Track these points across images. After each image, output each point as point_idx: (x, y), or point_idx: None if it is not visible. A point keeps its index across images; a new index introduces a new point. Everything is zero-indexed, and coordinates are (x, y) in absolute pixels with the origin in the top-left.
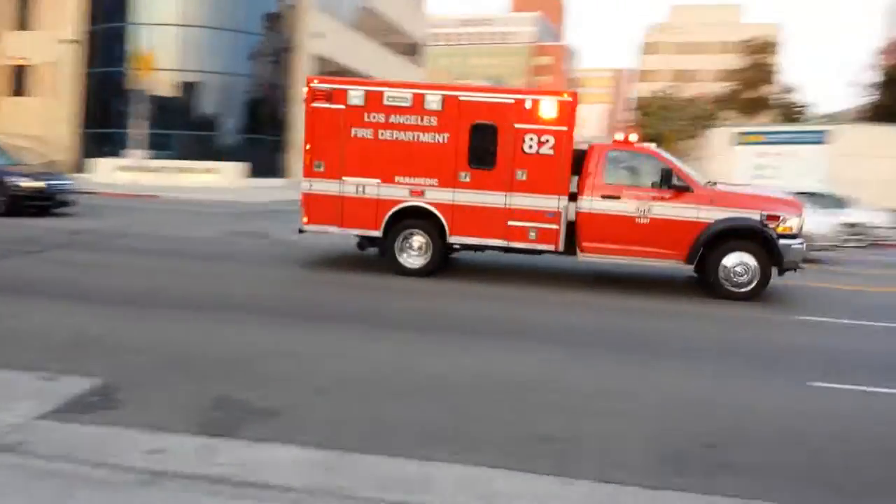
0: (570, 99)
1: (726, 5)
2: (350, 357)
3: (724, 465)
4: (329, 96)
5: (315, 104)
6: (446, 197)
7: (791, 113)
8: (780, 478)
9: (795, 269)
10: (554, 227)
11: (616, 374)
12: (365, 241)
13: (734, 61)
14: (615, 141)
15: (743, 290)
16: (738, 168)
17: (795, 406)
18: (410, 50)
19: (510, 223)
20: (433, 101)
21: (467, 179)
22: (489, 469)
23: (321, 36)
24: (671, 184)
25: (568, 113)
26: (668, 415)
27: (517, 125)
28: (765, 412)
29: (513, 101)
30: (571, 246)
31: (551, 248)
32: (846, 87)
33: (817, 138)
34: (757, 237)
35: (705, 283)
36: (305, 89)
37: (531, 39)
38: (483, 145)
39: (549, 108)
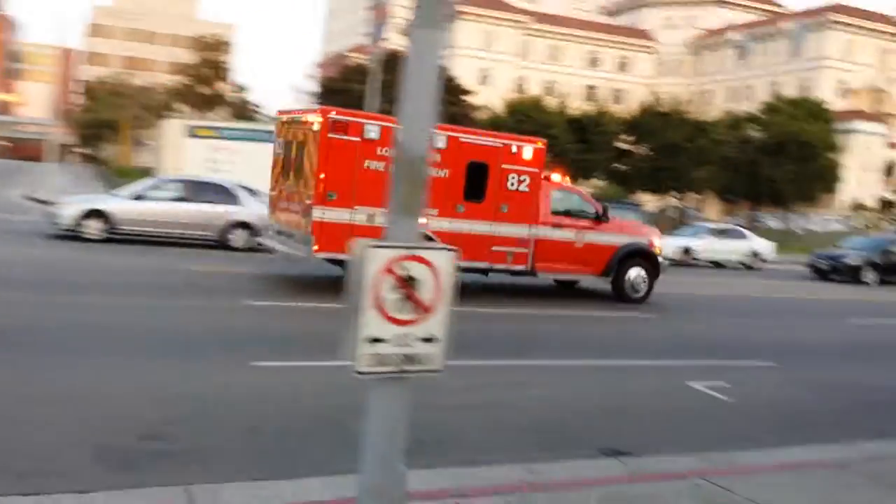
0: (542, 146)
1: None
2: None
3: (163, 453)
4: (346, 129)
5: (331, 135)
6: (445, 226)
7: (244, 111)
8: (219, 459)
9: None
10: (525, 250)
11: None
12: None
13: (187, 55)
14: (553, 181)
15: (639, 295)
16: (191, 160)
17: (238, 386)
18: None
19: (494, 248)
20: (439, 140)
21: (462, 210)
22: None
23: None
24: (595, 215)
25: (540, 157)
26: (105, 411)
27: (503, 165)
28: (210, 396)
29: (501, 145)
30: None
31: (523, 267)
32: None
33: (267, 137)
34: (648, 256)
35: (615, 291)
36: (319, 119)
37: None
38: (476, 181)
39: (527, 152)
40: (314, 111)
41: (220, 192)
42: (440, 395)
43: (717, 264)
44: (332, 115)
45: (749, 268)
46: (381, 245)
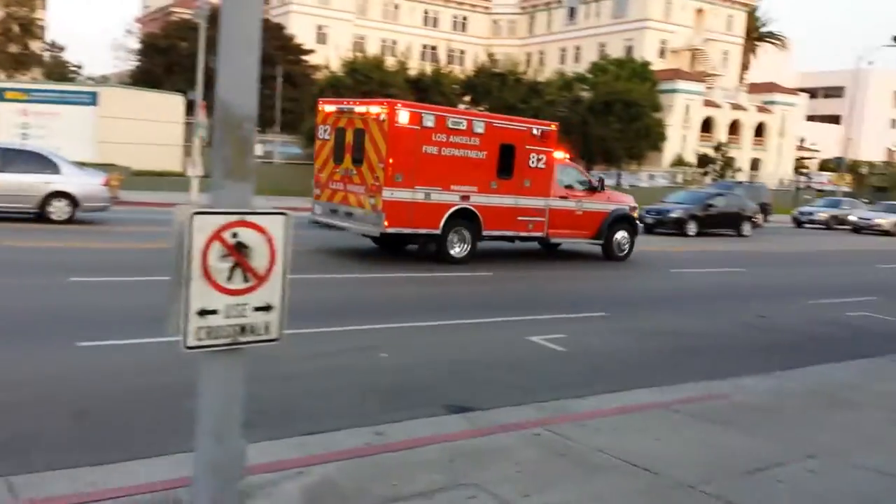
0: (554, 128)
1: None
2: None
3: None
4: (409, 118)
5: (398, 124)
6: (483, 200)
7: (60, 72)
8: (44, 448)
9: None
10: (542, 219)
11: None
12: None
13: None
14: (558, 158)
15: (623, 254)
16: (0, 125)
17: (64, 369)
18: None
19: (518, 218)
20: (479, 125)
21: (495, 187)
22: None
23: None
24: (589, 186)
25: (552, 138)
26: None
27: (527, 146)
28: (32, 381)
29: (525, 128)
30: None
31: (541, 234)
32: (113, 51)
33: (85, 99)
34: (630, 220)
35: (605, 251)
36: (385, 110)
37: None
38: (506, 161)
39: (544, 134)
40: (377, 103)
41: (36, 161)
42: (287, 364)
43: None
44: (399, 107)
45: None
46: (207, 211)
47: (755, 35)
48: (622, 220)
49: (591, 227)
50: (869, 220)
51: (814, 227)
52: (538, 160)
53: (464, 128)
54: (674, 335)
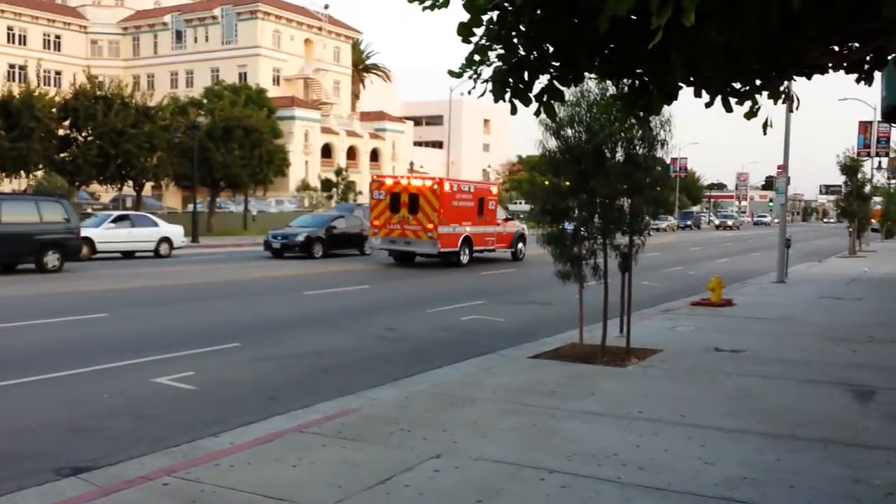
0: (503, 182)
1: None
2: None
3: None
4: (448, 187)
5: (444, 191)
6: (472, 230)
7: None
8: None
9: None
10: (493, 238)
11: None
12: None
13: None
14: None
15: (522, 256)
16: None
17: None
18: None
19: (486, 239)
20: (471, 187)
21: (478, 221)
22: None
23: None
24: (507, 217)
25: (499, 190)
26: None
27: (489, 197)
28: None
29: (487, 187)
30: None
31: (494, 248)
32: None
33: None
34: (523, 236)
35: (513, 257)
36: (436, 183)
37: None
38: (481, 206)
39: (495, 189)
40: (429, 178)
41: None
42: None
43: (127, 254)
44: (444, 182)
45: (159, 255)
46: None
47: (362, 67)
48: (521, 236)
49: (509, 242)
50: None
51: None
52: (492, 204)
53: (466, 189)
54: (310, 356)
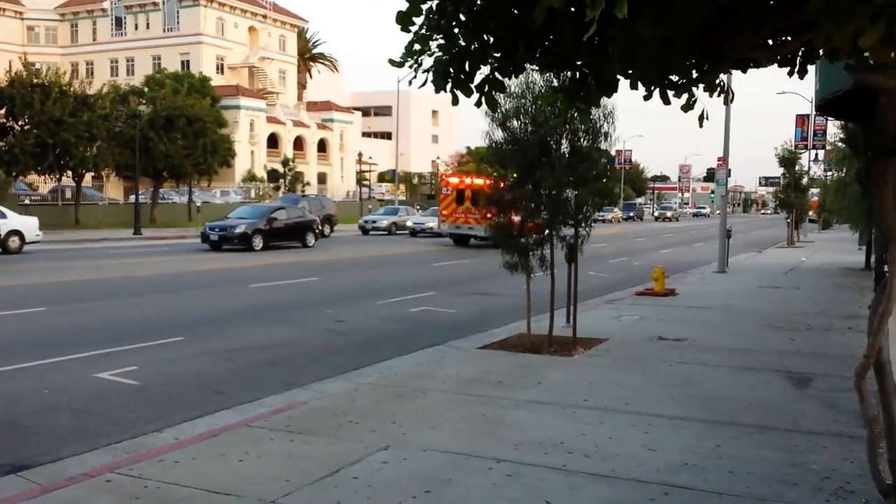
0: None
1: None
2: None
3: None
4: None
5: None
6: (516, 218)
7: None
8: None
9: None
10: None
11: None
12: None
13: None
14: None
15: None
16: None
17: None
18: None
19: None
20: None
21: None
22: None
23: None
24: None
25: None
26: None
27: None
28: None
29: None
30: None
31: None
32: None
33: None
34: None
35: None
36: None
37: None
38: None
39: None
40: (486, 178)
41: None
42: None
43: None
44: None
45: (7, 250)
46: None
47: (308, 56)
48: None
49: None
50: (423, 224)
51: (378, 233)
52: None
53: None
54: (256, 350)
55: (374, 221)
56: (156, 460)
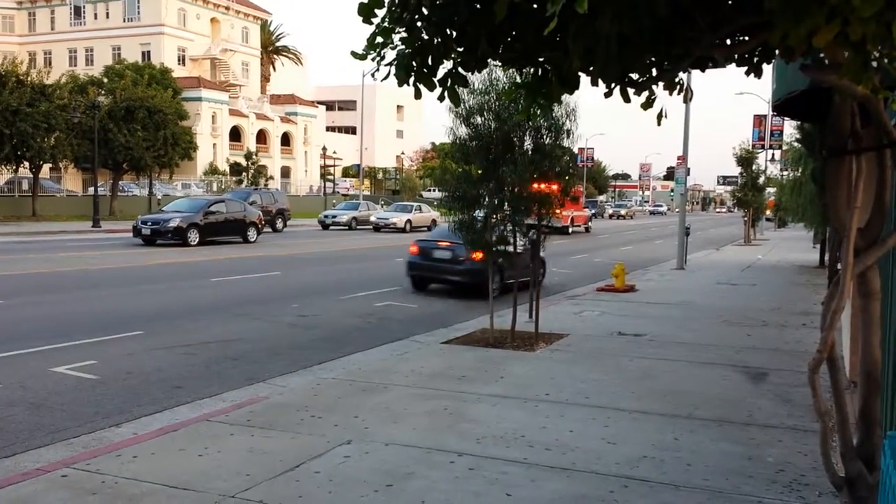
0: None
1: None
2: None
3: None
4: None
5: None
6: (570, 213)
7: None
8: None
9: None
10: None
11: None
12: None
13: None
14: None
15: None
16: None
17: None
18: None
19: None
20: None
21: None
22: None
23: None
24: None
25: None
26: None
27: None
28: None
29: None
30: None
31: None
32: None
33: None
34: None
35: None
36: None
37: None
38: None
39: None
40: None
41: None
42: None
43: None
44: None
45: None
46: None
47: (272, 48)
48: (590, 217)
49: (585, 220)
50: (386, 219)
51: (339, 228)
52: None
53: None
54: (217, 344)
55: (334, 216)
56: (113, 455)
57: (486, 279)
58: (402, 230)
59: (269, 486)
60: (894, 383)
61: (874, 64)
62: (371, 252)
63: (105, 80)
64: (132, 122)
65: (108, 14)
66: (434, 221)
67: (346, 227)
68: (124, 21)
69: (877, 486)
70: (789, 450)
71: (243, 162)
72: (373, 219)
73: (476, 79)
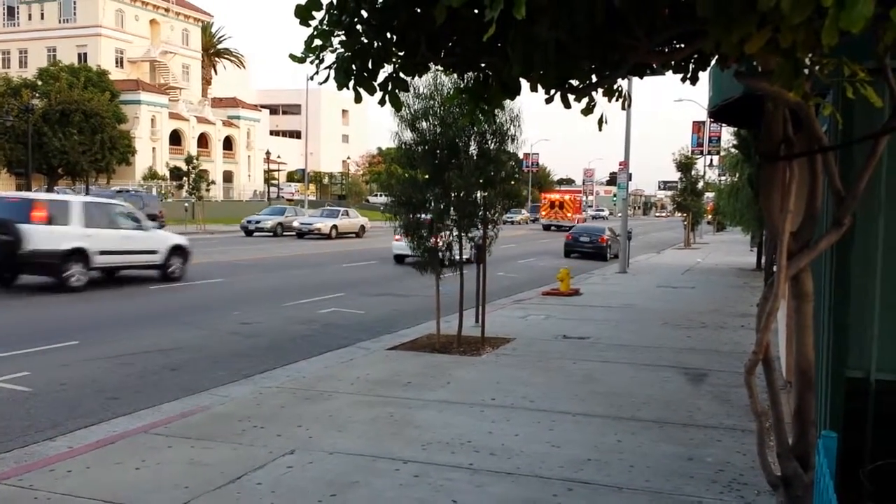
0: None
1: None
2: None
3: None
4: (574, 196)
5: (576, 199)
6: (577, 216)
7: None
8: None
9: None
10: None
11: None
12: None
13: None
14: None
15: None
16: None
17: None
18: None
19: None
20: (579, 196)
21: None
22: None
23: None
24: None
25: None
26: None
27: (580, 199)
28: None
29: (576, 194)
30: None
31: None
32: None
33: None
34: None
35: None
36: (572, 196)
37: None
38: (561, 204)
39: (579, 196)
40: (568, 192)
41: None
42: None
43: None
44: (577, 194)
45: None
46: None
47: (213, 51)
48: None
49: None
50: (310, 224)
51: (263, 234)
52: (582, 203)
53: (578, 198)
54: (156, 354)
55: (257, 222)
56: (47, 470)
57: None
58: (328, 236)
59: (208, 499)
60: (828, 383)
61: (805, 71)
62: (310, 259)
63: (39, 82)
64: (68, 126)
65: (42, 14)
66: (363, 227)
67: (272, 234)
68: (60, 22)
69: (812, 484)
70: (728, 450)
71: (184, 166)
72: (295, 224)
73: (421, 83)
